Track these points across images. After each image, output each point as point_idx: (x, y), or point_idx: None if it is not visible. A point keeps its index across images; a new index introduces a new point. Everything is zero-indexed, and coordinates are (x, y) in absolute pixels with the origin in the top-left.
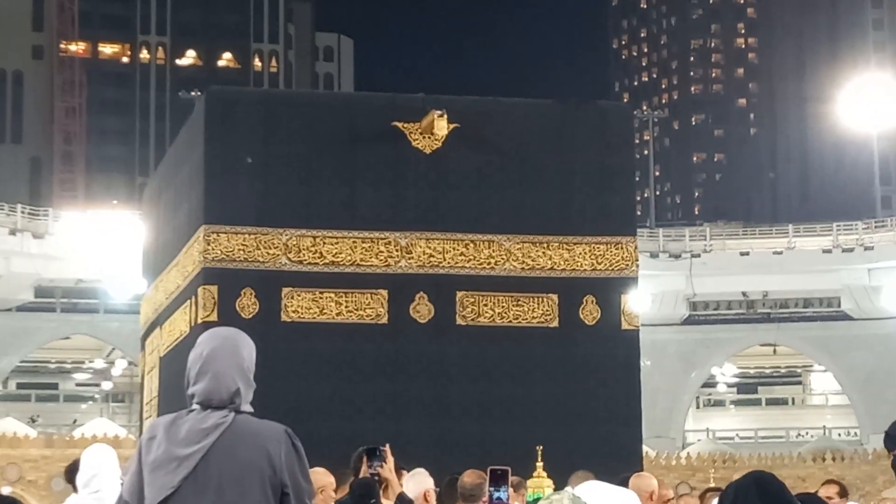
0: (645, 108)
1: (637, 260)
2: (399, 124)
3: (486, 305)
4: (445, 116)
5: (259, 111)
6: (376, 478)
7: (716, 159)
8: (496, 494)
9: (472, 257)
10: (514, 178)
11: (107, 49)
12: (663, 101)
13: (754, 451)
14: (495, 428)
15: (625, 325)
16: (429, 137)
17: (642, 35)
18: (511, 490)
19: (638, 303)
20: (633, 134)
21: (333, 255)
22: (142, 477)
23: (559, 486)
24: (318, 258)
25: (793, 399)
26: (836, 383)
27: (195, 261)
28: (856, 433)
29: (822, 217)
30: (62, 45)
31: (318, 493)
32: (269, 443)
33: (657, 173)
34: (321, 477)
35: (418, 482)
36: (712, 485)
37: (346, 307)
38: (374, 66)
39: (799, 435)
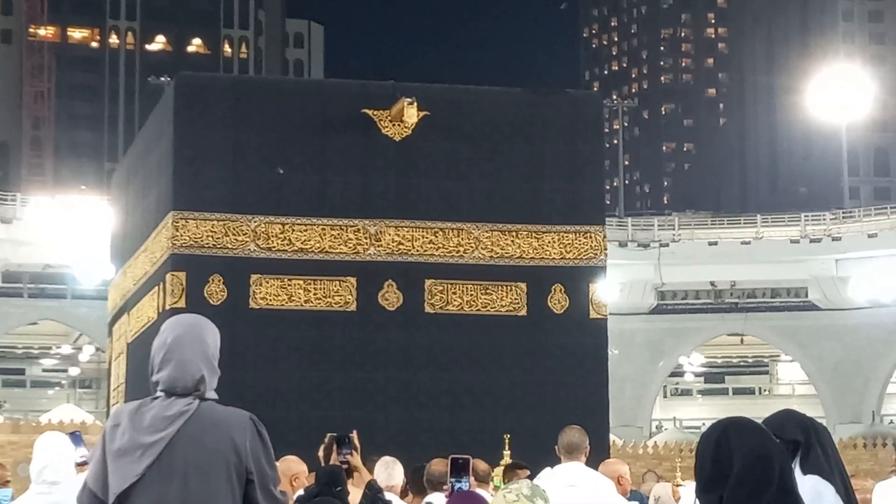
0: (615, 97)
1: (605, 249)
2: (369, 111)
3: (454, 293)
4: (415, 104)
5: (229, 97)
6: (346, 466)
7: (685, 149)
8: (457, 485)
9: (440, 245)
10: (483, 166)
11: (76, 33)
12: (633, 90)
13: None
14: (463, 416)
15: (593, 314)
16: (398, 125)
17: (613, 24)
18: (472, 480)
19: (606, 292)
20: (603, 123)
21: (302, 242)
22: (106, 465)
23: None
24: (287, 245)
25: (760, 388)
26: (803, 373)
27: (163, 247)
28: (823, 423)
29: (790, 207)
30: (31, 30)
31: (293, 480)
32: (233, 430)
33: (626, 162)
34: (294, 465)
35: (390, 474)
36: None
37: (315, 294)
38: (344, 53)
39: None
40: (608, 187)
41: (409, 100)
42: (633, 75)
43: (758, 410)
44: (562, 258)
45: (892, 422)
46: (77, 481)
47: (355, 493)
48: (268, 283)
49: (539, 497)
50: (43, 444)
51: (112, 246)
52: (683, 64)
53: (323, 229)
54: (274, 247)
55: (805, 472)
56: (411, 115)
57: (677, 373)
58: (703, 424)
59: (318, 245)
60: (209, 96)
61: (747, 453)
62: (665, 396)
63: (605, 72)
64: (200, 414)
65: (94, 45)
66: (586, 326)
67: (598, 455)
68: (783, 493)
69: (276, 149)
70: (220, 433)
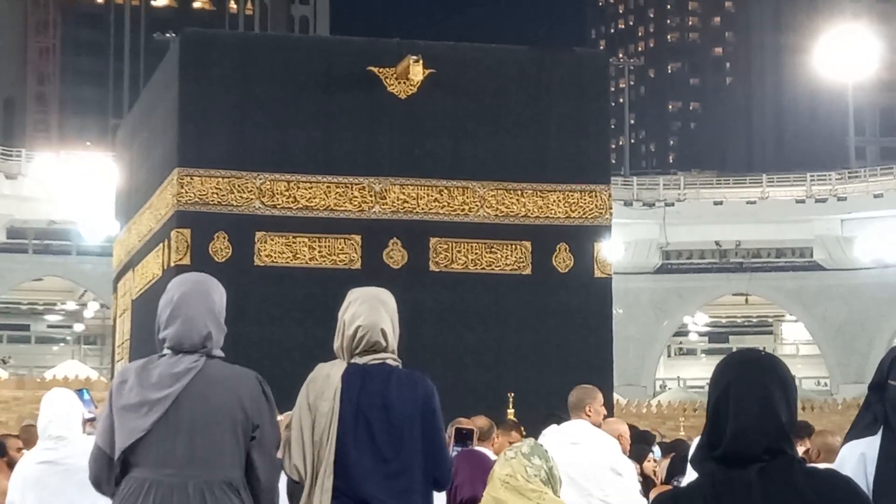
0: (621, 55)
1: (611, 208)
2: (374, 69)
3: (459, 252)
4: (421, 62)
5: (234, 54)
6: None
7: (691, 108)
8: None
9: (445, 203)
10: (489, 124)
11: None
12: (639, 48)
13: None
14: (467, 374)
15: (598, 273)
16: (404, 83)
17: None
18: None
19: (611, 251)
20: (609, 82)
21: (307, 200)
22: (113, 421)
23: (529, 433)
24: (292, 202)
25: (764, 348)
26: (808, 333)
27: (168, 204)
28: (826, 383)
29: (796, 167)
30: None
31: None
32: (240, 388)
33: (632, 121)
34: None
35: None
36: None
37: (320, 252)
38: (350, 10)
39: None
40: (614, 146)
41: (414, 57)
42: (640, 34)
43: None
44: (567, 217)
45: None
46: (84, 438)
47: None
48: (273, 240)
49: (537, 456)
50: (49, 400)
51: (117, 202)
52: (690, 23)
53: (328, 187)
54: (279, 204)
55: None
56: (417, 72)
57: (682, 332)
58: (707, 384)
59: (322, 203)
60: (214, 53)
61: (735, 427)
62: (669, 356)
63: (612, 30)
64: (207, 371)
65: (100, 0)
66: (591, 286)
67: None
68: (780, 458)
69: (282, 106)
70: (226, 390)
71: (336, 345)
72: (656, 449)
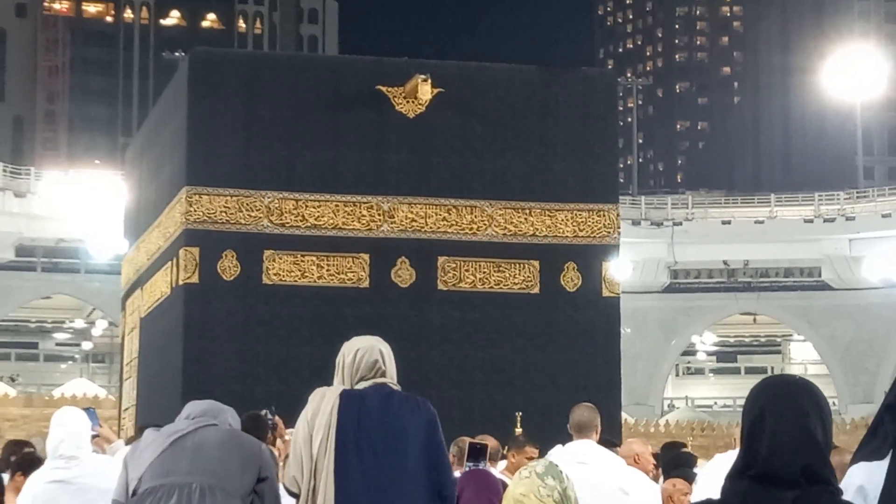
0: (629, 75)
1: (619, 227)
2: (383, 88)
3: (467, 271)
4: (429, 81)
5: (243, 73)
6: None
7: (699, 127)
8: (475, 468)
9: (454, 222)
10: (497, 143)
11: (91, 8)
12: (647, 68)
13: (733, 420)
14: (475, 393)
15: (606, 293)
16: (412, 102)
17: (627, 2)
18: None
19: (619, 270)
20: (617, 101)
21: (315, 219)
22: (127, 475)
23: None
24: (300, 221)
25: (772, 368)
26: (816, 353)
27: (177, 222)
28: (834, 403)
29: (804, 186)
30: (46, 4)
31: None
32: (251, 444)
33: (640, 141)
34: None
35: None
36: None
37: (328, 270)
38: (358, 30)
39: None
40: (622, 165)
41: (423, 77)
42: (648, 53)
43: None
44: (575, 236)
45: None
46: (95, 457)
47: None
48: (281, 259)
49: (552, 476)
50: (59, 420)
51: (125, 221)
52: (698, 42)
53: (336, 206)
54: (287, 223)
55: None
56: (425, 91)
57: (689, 352)
58: (715, 403)
59: (331, 221)
60: (223, 72)
61: (771, 445)
62: (677, 375)
63: (620, 49)
64: (220, 427)
65: (109, 19)
66: (599, 304)
67: (610, 434)
68: (816, 484)
69: (290, 124)
70: (236, 438)
71: (336, 381)
72: (698, 471)
